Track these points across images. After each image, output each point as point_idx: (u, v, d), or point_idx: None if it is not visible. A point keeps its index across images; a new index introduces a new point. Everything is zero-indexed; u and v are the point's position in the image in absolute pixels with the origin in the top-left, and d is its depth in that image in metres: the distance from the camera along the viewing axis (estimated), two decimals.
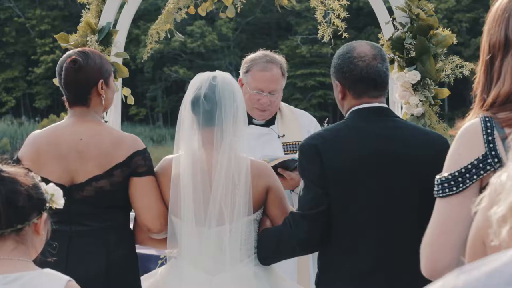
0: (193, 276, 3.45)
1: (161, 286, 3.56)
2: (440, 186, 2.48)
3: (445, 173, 2.48)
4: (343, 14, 4.67)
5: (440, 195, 2.48)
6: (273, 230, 3.45)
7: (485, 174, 2.45)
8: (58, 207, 2.56)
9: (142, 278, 3.63)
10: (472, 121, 2.51)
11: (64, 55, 3.64)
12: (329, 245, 3.28)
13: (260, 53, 4.66)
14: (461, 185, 2.44)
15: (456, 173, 2.45)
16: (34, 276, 2.42)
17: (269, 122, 4.67)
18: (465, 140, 2.49)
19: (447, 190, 2.46)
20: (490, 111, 2.49)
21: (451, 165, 2.49)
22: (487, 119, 2.47)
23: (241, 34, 46.44)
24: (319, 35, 4.83)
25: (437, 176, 2.49)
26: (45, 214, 2.51)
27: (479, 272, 1.26)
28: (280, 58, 4.65)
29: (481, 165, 2.44)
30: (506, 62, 2.50)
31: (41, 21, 46.35)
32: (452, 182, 2.45)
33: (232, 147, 3.45)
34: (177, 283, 3.49)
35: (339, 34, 4.69)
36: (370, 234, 3.21)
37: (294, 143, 4.59)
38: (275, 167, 4.17)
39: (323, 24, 4.74)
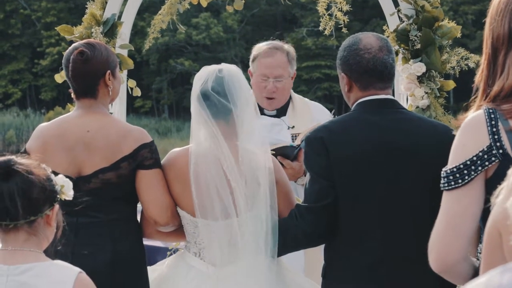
0: (200, 268, 3.45)
1: (168, 278, 3.57)
2: (446, 179, 2.48)
3: (450, 166, 2.48)
4: (346, 7, 4.66)
5: (446, 188, 2.48)
6: (280, 222, 3.44)
7: (490, 165, 2.45)
8: (67, 199, 2.58)
9: (148, 269, 3.64)
10: (476, 112, 2.51)
11: (71, 47, 3.64)
12: (336, 237, 3.28)
13: (267, 42, 4.69)
14: (466, 177, 2.44)
15: (461, 166, 2.45)
16: (45, 267, 2.45)
17: (281, 113, 4.67)
18: (469, 131, 2.49)
19: (452, 183, 2.46)
20: (493, 103, 2.49)
21: (456, 157, 2.49)
22: (491, 110, 2.47)
23: (246, 26, 46.35)
24: (320, 28, 4.82)
25: (443, 169, 2.50)
26: (57, 206, 2.54)
27: None
28: (287, 47, 4.68)
29: (486, 156, 2.44)
30: (511, 55, 2.50)
31: (47, 13, 46.32)
32: (458, 175, 2.45)
33: (242, 139, 3.45)
34: (184, 275, 3.50)
35: (340, 26, 4.68)
36: (377, 226, 3.21)
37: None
38: (275, 155, 4.17)
39: (325, 17, 4.74)
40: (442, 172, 2.50)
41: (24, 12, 46.90)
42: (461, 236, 2.45)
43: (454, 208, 2.46)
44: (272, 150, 4.13)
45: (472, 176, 2.44)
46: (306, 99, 4.88)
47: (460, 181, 2.46)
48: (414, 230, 3.20)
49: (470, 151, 2.46)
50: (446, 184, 2.48)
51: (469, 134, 2.49)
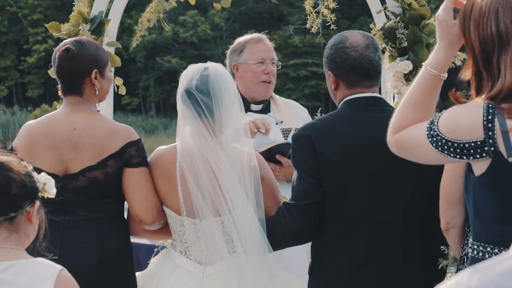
0: (186, 267, 3.45)
1: (154, 276, 3.56)
2: (434, 139, 2.52)
3: (442, 127, 2.51)
4: (333, 5, 4.67)
5: (434, 146, 2.52)
6: (267, 220, 3.43)
7: (479, 159, 2.47)
8: (50, 196, 2.57)
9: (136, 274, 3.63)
10: (478, 102, 2.52)
11: (60, 44, 3.63)
12: (323, 234, 3.28)
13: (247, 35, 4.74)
14: (452, 154, 2.48)
15: (456, 144, 2.49)
16: (26, 265, 2.43)
17: (266, 109, 4.68)
18: (467, 113, 2.50)
19: (440, 148, 2.51)
20: (493, 101, 2.50)
21: (446, 119, 2.52)
22: (490, 105, 2.47)
23: (233, 24, 46.34)
24: (307, 26, 4.83)
25: (434, 120, 2.53)
26: (37, 203, 2.52)
27: (494, 271, 1.26)
28: None
29: (478, 150, 2.46)
30: (504, 57, 2.49)
31: (34, 10, 46.17)
32: (446, 146, 2.49)
33: (228, 137, 3.44)
34: (170, 273, 3.49)
35: (327, 24, 4.69)
36: (363, 223, 3.22)
37: (291, 129, 4.60)
38: (272, 152, 4.15)
39: (312, 14, 4.74)
40: (431, 122, 2.54)
41: (11, 9, 46.72)
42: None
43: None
44: (269, 148, 4.12)
45: (457, 159, 2.49)
46: (281, 97, 4.93)
47: (446, 152, 2.51)
48: (400, 226, 3.21)
49: (463, 133, 2.49)
50: (434, 144, 2.54)
51: (466, 115, 2.51)
